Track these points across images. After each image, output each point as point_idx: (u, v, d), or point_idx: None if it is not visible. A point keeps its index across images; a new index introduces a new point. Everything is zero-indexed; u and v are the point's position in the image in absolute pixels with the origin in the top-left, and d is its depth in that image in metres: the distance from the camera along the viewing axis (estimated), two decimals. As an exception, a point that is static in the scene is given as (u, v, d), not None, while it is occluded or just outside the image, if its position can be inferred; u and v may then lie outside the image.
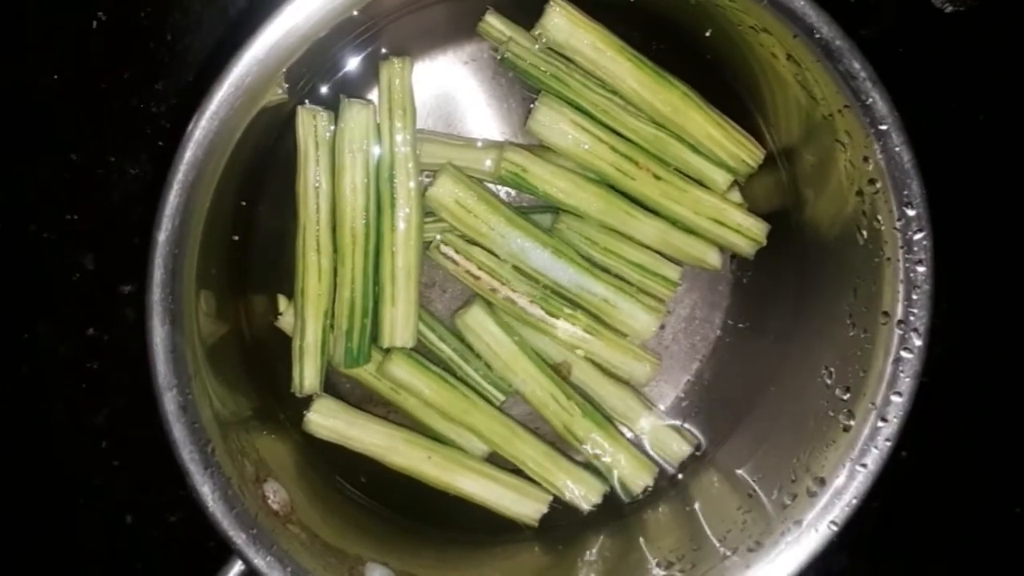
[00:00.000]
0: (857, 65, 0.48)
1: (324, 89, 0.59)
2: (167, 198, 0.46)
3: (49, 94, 0.63)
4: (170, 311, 0.46)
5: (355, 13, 0.51)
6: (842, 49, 0.48)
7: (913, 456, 0.63)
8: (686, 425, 0.64)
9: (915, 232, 0.49)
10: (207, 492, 0.48)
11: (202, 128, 0.46)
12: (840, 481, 0.51)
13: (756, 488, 0.56)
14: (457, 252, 0.59)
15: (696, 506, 0.60)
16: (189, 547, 0.65)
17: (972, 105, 0.65)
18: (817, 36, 0.48)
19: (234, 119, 0.47)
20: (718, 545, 0.55)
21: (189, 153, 0.46)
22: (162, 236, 0.46)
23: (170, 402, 0.47)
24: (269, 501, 0.52)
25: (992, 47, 0.65)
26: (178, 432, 0.48)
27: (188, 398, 0.48)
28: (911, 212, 0.49)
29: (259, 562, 0.49)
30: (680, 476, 0.63)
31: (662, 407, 0.64)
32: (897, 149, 0.49)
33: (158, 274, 0.46)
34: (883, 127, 0.49)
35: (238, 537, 0.49)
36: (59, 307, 0.65)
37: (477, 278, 0.59)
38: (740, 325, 0.64)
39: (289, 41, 0.48)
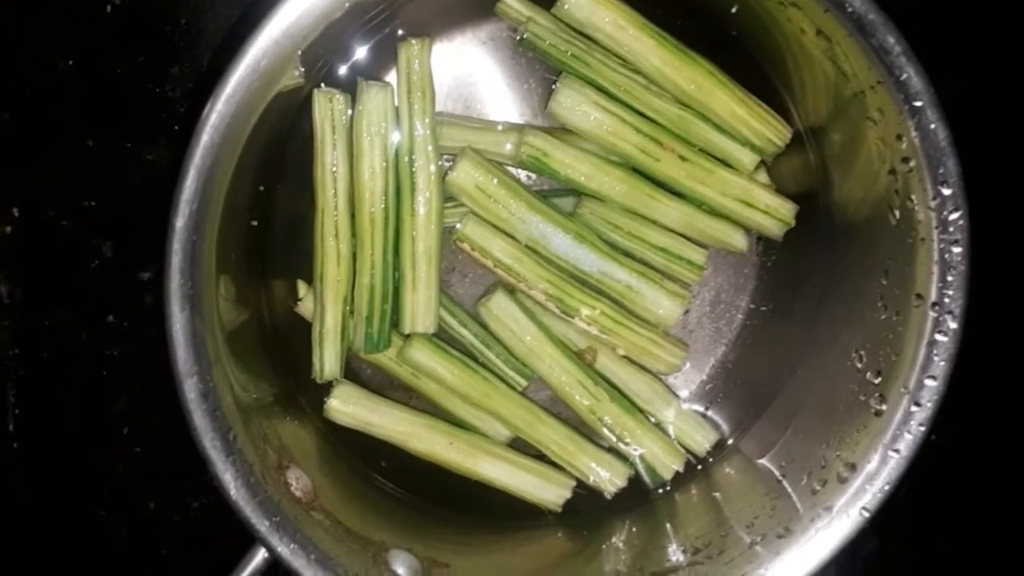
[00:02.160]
0: (891, 39, 0.47)
1: (341, 72, 0.58)
2: (184, 183, 0.45)
3: (64, 80, 0.63)
4: (189, 297, 0.46)
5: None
6: (875, 23, 0.47)
7: (942, 440, 0.61)
8: (711, 411, 0.63)
9: (951, 212, 0.48)
10: (229, 479, 0.48)
11: (218, 112, 0.45)
12: (872, 466, 0.50)
13: (784, 474, 0.55)
14: (473, 249, 0.58)
15: (722, 492, 0.59)
16: (213, 533, 0.65)
17: (1011, 80, 0.63)
18: (849, 10, 0.47)
19: (250, 102, 0.46)
20: (746, 532, 0.54)
21: (206, 137, 0.45)
22: (180, 222, 0.45)
23: (191, 389, 0.47)
24: (292, 488, 0.51)
25: (1029, 20, 0.63)
26: (199, 419, 0.47)
27: (209, 385, 0.48)
28: (947, 191, 0.48)
29: (283, 549, 0.49)
30: (706, 462, 0.62)
31: (687, 392, 0.63)
32: (932, 126, 0.47)
33: (176, 260, 0.45)
34: (918, 103, 0.47)
35: (261, 524, 0.48)
36: (78, 294, 0.65)
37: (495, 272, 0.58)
38: (766, 308, 0.63)
39: (305, 21, 0.47)
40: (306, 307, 0.59)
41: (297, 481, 0.51)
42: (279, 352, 0.59)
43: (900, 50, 0.47)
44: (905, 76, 0.47)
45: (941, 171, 0.48)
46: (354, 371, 0.61)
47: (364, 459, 0.60)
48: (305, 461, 0.54)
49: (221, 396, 0.48)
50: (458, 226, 0.58)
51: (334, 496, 0.54)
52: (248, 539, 0.50)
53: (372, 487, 0.60)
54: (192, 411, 0.47)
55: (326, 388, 0.59)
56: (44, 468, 0.66)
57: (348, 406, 0.58)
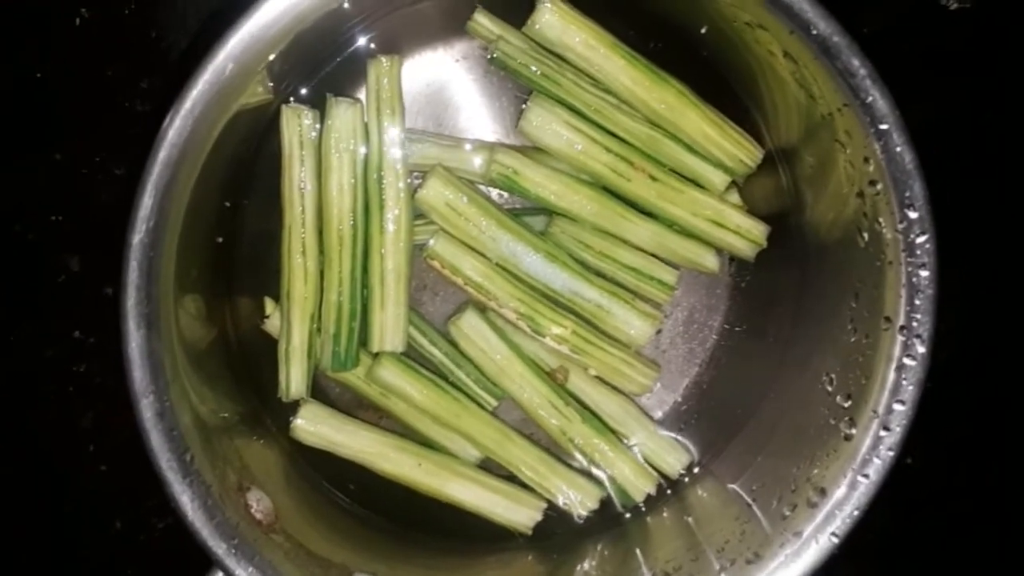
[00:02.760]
0: (856, 62, 0.47)
1: (310, 88, 0.58)
2: (141, 200, 0.44)
3: (32, 93, 0.62)
4: (145, 316, 0.45)
5: (346, 6, 0.50)
6: (840, 46, 0.47)
7: (918, 463, 0.61)
8: (683, 434, 0.62)
9: (918, 235, 0.48)
10: (186, 501, 0.47)
11: (176, 128, 0.45)
12: (841, 492, 0.50)
13: (755, 498, 0.55)
14: (443, 267, 0.57)
15: (694, 516, 0.58)
16: (178, 554, 0.63)
17: (977, 103, 0.63)
18: (814, 32, 0.47)
19: (211, 117, 0.46)
20: (716, 556, 0.53)
21: (163, 153, 0.45)
22: (136, 239, 0.44)
23: (147, 408, 0.46)
24: (252, 510, 0.51)
25: (997, 44, 0.63)
26: (155, 439, 0.46)
27: (166, 404, 0.47)
28: (913, 215, 0.48)
29: (240, 573, 0.48)
30: (679, 485, 0.61)
31: (660, 413, 0.63)
32: (898, 149, 0.47)
33: (133, 277, 0.45)
34: (884, 126, 0.47)
35: (218, 547, 0.48)
36: (45, 309, 0.64)
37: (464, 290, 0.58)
38: (739, 329, 0.63)
39: (269, 35, 0.47)
40: (273, 325, 0.58)
41: (258, 503, 0.50)
42: (244, 370, 0.59)
43: (865, 73, 0.47)
44: (870, 99, 0.47)
45: (907, 194, 0.47)
46: (322, 390, 0.61)
47: (330, 480, 0.60)
48: (268, 482, 0.53)
49: (179, 415, 0.47)
50: (429, 243, 0.58)
51: (297, 518, 0.53)
52: (211, 561, 0.49)
53: (338, 509, 0.59)
54: (148, 430, 0.47)
55: (292, 407, 0.58)
56: (9, 485, 0.65)
57: (315, 425, 0.58)
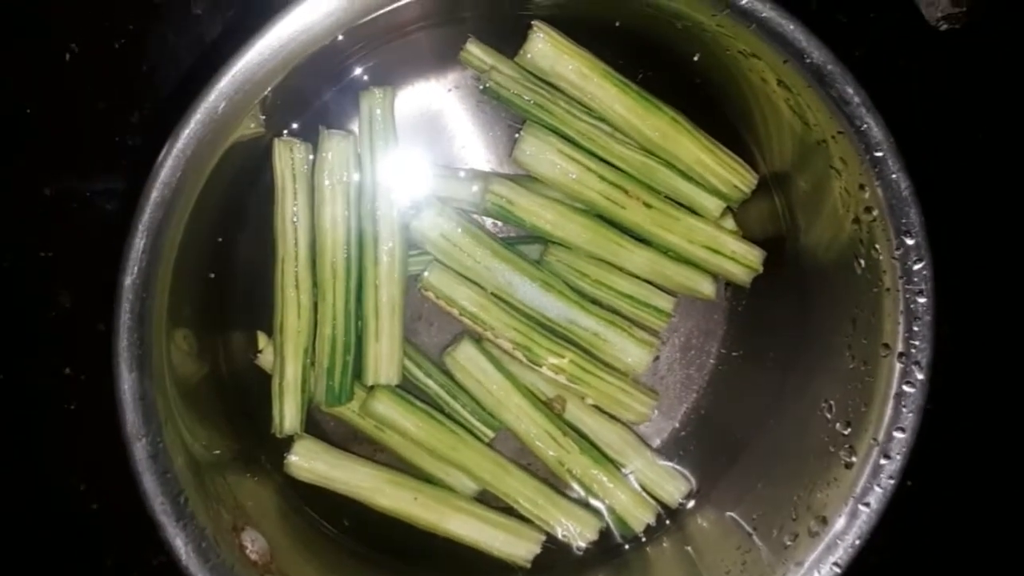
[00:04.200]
0: (850, 90, 0.47)
1: (302, 121, 0.57)
2: (132, 241, 0.44)
3: (22, 127, 0.62)
4: (138, 358, 0.45)
5: (340, 38, 0.50)
6: (834, 74, 0.47)
7: (918, 486, 0.61)
8: (682, 462, 0.62)
9: (915, 262, 0.48)
10: (180, 544, 0.46)
11: (168, 167, 0.44)
12: (842, 521, 0.49)
13: (755, 527, 0.54)
14: (438, 298, 0.57)
15: (694, 546, 0.58)
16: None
17: (970, 125, 0.63)
18: (808, 61, 0.47)
19: (203, 156, 0.45)
20: (717, 587, 0.53)
21: (155, 194, 0.44)
22: (127, 280, 0.44)
23: (140, 451, 0.46)
24: (247, 551, 0.50)
25: (988, 65, 0.63)
26: (148, 482, 0.46)
27: (159, 446, 0.46)
28: (910, 241, 0.47)
29: (236, 616, 0.47)
30: (677, 515, 0.60)
31: (658, 441, 0.62)
32: (894, 176, 0.47)
33: (125, 320, 0.44)
34: (878, 153, 0.47)
35: (213, 591, 0.47)
36: (35, 346, 0.64)
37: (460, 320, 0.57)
38: (736, 354, 0.62)
39: (262, 72, 0.47)
40: (266, 359, 0.58)
41: (252, 543, 0.50)
42: (238, 406, 0.58)
43: (859, 101, 0.47)
44: (865, 127, 0.47)
45: (904, 221, 0.47)
46: (316, 424, 0.60)
47: (326, 516, 0.59)
48: (263, 521, 0.52)
49: (172, 457, 0.47)
50: (424, 274, 0.57)
51: (293, 556, 0.53)
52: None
53: (334, 545, 0.58)
54: (141, 473, 0.46)
55: (287, 443, 0.57)
56: (1, 523, 0.64)
57: (309, 461, 0.57)
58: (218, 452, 0.54)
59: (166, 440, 0.46)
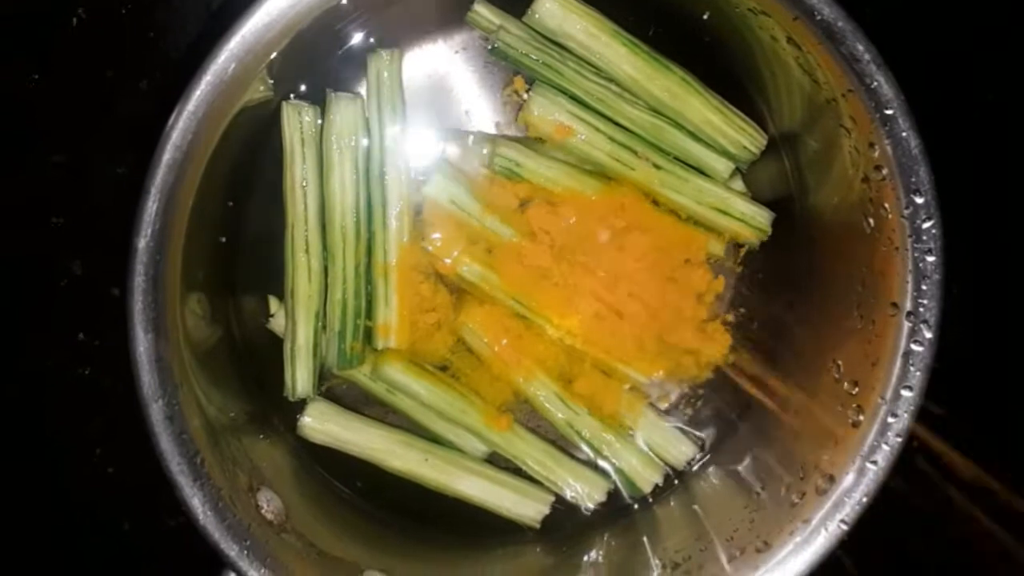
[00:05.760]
0: (860, 47, 0.46)
1: (310, 84, 0.57)
2: (145, 204, 0.44)
3: (30, 95, 0.62)
4: (152, 320, 0.45)
5: (344, 1, 0.50)
6: (844, 31, 0.46)
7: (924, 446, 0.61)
8: (690, 423, 0.62)
9: (924, 220, 0.48)
10: (197, 504, 0.47)
11: (179, 130, 0.44)
12: (849, 479, 0.50)
13: (764, 486, 0.55)
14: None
15: (701, 505, 0.58)
16: (190, 551, 0.64)
17: (981, 85, 0.63)
18: (818, 18, 0.46)
19: (213, 119, 0.45)
20: (725, 545, 0.54)
21: (167, 156, 0.44)
22: (142, 243, 0.44)
23: (156, 413, 0.46)
24: (263, 510, 0.51)
25: (1002, 24, 0.62)
26: (165, 443, 0.46)
27: (175, 408, 0.47)
28: (919, 200, 0.47)
29: (253, 574, 0.48)
30: (685, 475, 0.61)
31: (665, 404, 0.63)
32: (904, 134, 0.47)
33: (139, 281, 0.45)
34: (888, 111, 0.47)
35: (230, 549, 0.48)
36: (49, 313, 0.64)
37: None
38: (744, 315, 0.62)
39: (270, 34, 0.47)
40: (278, 323, 0.58)
41: (268, 503, 0.50)
42: (251, 370, 0.59)
43: (870, 58, 0.46)
44: (875, 84, 0.46)
45: (913, 180, 0.47)
46: (328, 387, 0.60)
47: (339, 478, 0.60)
48: (277, 482, 0.53)
49: (188, 419, 0.47)
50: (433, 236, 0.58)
51: (307, 517, 0.53)
52: (223, 562, 0.49)
53: (347, 506, 0.59)
54: (158, 435, 0.47)
55: (299, 406, 0.58)
56: (18, 490, 0.65)
57: (322, 423, 0.58)
58: (232, 415, 0.54)
59: (182, 402, 0.47)
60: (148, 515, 0.65)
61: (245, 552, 0.48)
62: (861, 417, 0.50)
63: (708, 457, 0.61)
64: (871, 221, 0.50)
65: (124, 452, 0.65)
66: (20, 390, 0.64)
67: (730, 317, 0.61)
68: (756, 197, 0.59)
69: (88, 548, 0.66)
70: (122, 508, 0.65)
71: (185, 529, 0.64)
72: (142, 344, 0.45)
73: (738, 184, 0.60)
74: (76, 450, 0.65)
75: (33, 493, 0.65)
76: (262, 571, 0.48)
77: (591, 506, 0.60)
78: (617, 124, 0.57)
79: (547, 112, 0.56)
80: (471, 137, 0.59)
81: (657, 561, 0.55)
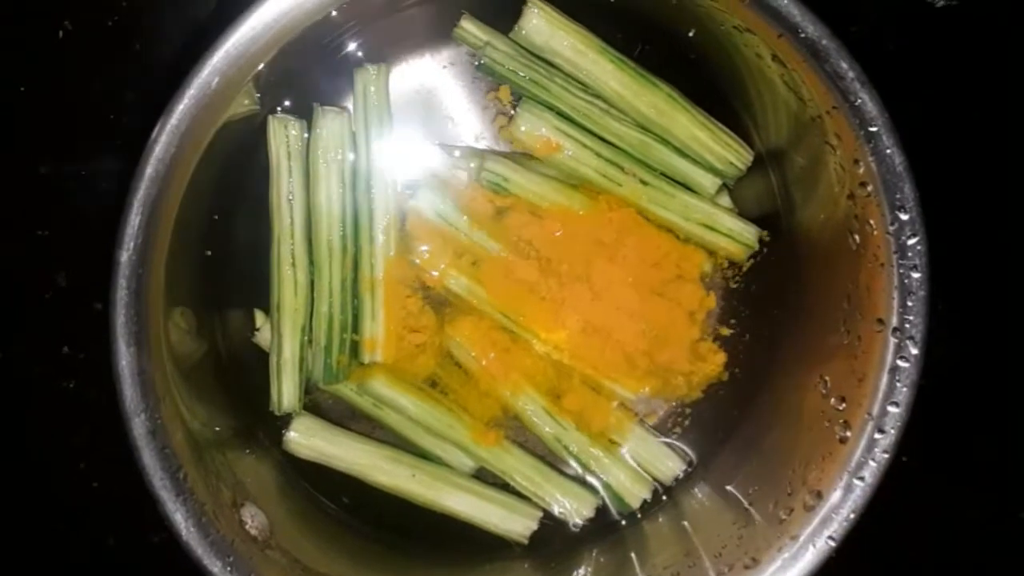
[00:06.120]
0: (844, 65, 0.47)
1: (297, 98, 0.57)
2: (128, 217, 0.44)
3: (16, 106, 0.61)
4: (135, 334, 0.45)
5: (333, 14, 0.50)
6: (828, 49, 0.47)
7: (914, 461, 0.61)
8: (678, 438, 0.62)
9: (909, 237, 0.48)
10: (180, 520, 0.47)
11: (162, 143, 0.44)
12: (837, 495, 0.50)
13: (752, 502, 0.55)
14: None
15: (690, 521, 0.58)
16: (173, 567, 0.63)
17: (966, 103, 0.63)
18: (802, 36, 0.47)
19: (197, 132, 0.45)
20: (713, 561, 0.53)
21: (150, 169, 0.44)
22: (124, 257, 0.44)
23: (139, 427, 0.46)
24: (247, 526, 0.50)
25: (986, 42, 0.63)
26: (148, 458, 0.46)
27: (157, 422, 0.46)
28: (904, 216, 0.48)
29: (235, 591, 0.47)
30: (673, 491, 0.61)
31: (654, 420, 0.62)
32: (888, 151, 0.47)
33: (122, 294, 0.44)
34: (873, 128, 0.47)
35: (213, 565, 0.47)
36: (33, 326, 0.64)
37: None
38: (732, 330, 0.62)
39: (255, 48, 0.47)
40: (264, 337, 0.58)
41: (252, 519, 0.50)
42: (236, 384, 0.58)
43: (854, 76, 0.47)
44: (859, 101, 0.47)
45: (898, 196, 0.47)
46: (315, 402, 0.60)
47: (324, 493, 0.59)
48: (262, 497, 0.53)
49: (171, 433, 0.47)
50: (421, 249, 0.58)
51: (292, 533, 0.53)
52: (206, 574, 0.48)
53: (332, 522, 0.59)
54: (141, 449, 0.46)
55: (285, 420, 0.57)
56: (2, 504, 0.65)
57: (308, 438, 0.57)
58: (217, 429, 0.54)
59: (164, 416, 0.47)
60: (133, 530, 0.65)
61: (228, 568, 0.47)
62: (848, 433, 0.50)
63: (696, 473, 0.61)
64: (857, 237, 0.50)
65: (109, 466, 0.64)
66: (4, 403, 0.64)
67: (724, 331, 0.61)
68: (743, 213, 0.59)
69: (72, 563, 0.65)
70: (107, 523, 0.65)
71: (169, 545, 0.64)
72: (124, 358, 0.45)
73: (725, 200, 0.60)
74: (60, 464, 0.64)
75: (17, 507, 0.65)
76: (244, 588, 0.47)
77: (579, 522, 0.59)
78: (604, 140, 0.57)
79: (534, 128, 0.56)
80: (458, 151, 0.59)
81: (645, 577, 0.55)
